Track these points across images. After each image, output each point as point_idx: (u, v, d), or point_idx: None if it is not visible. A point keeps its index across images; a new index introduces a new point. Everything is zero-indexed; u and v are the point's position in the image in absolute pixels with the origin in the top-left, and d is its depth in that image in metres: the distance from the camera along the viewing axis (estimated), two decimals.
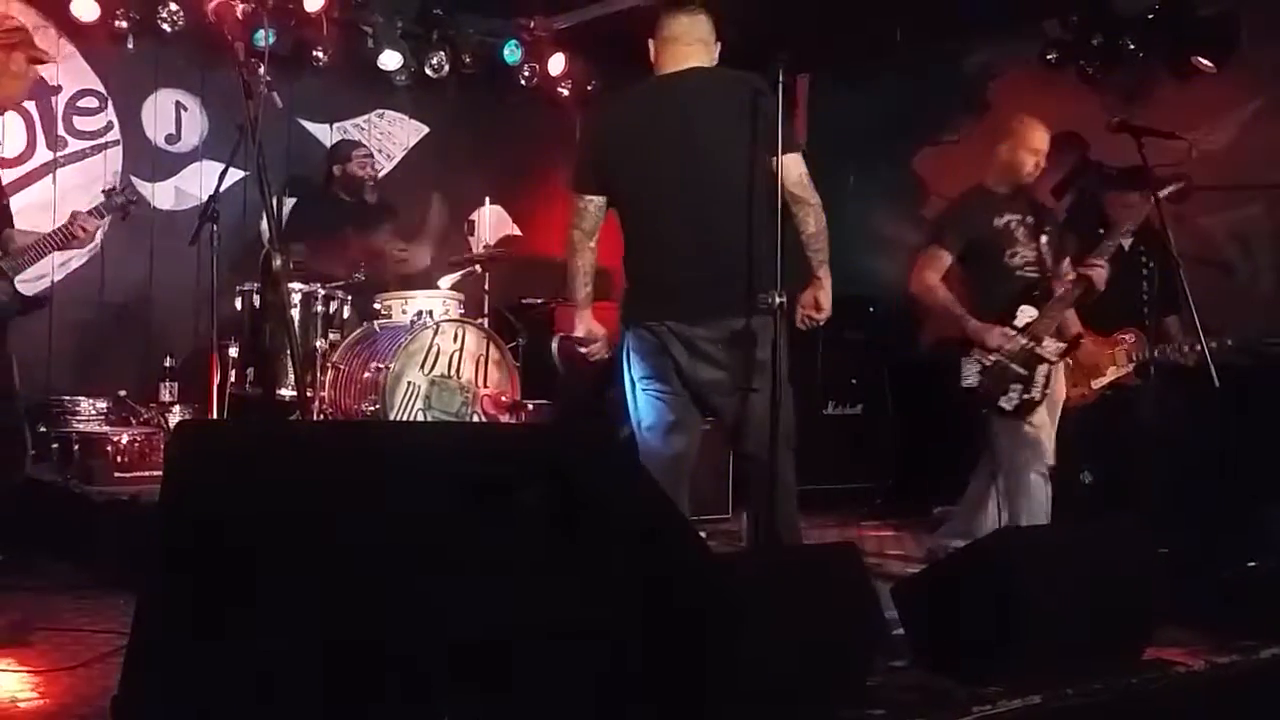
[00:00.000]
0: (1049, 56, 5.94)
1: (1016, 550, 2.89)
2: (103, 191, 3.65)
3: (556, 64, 6.62)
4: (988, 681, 2.63)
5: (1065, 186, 5.95)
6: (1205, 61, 5.41)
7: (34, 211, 5.12)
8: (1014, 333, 4.01)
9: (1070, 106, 5.86)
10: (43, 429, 4.81)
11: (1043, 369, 4.02)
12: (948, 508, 5.36)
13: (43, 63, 3.51)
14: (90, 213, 3.53)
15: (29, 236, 3.49)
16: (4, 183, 3.51)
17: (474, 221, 6.62)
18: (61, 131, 5.49)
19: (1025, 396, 3.99)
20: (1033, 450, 3.99)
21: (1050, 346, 4.04)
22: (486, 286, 5.55)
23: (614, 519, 2.14)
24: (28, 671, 2.92)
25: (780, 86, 3.32)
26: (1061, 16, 5.87)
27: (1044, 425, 4.03)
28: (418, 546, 1.88)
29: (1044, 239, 4.15)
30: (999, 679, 2.64)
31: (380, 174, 6.31)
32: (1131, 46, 5.68)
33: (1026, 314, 4.04)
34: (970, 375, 4.02)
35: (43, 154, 5.43)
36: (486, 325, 5.23)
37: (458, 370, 4.98)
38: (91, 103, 5.55)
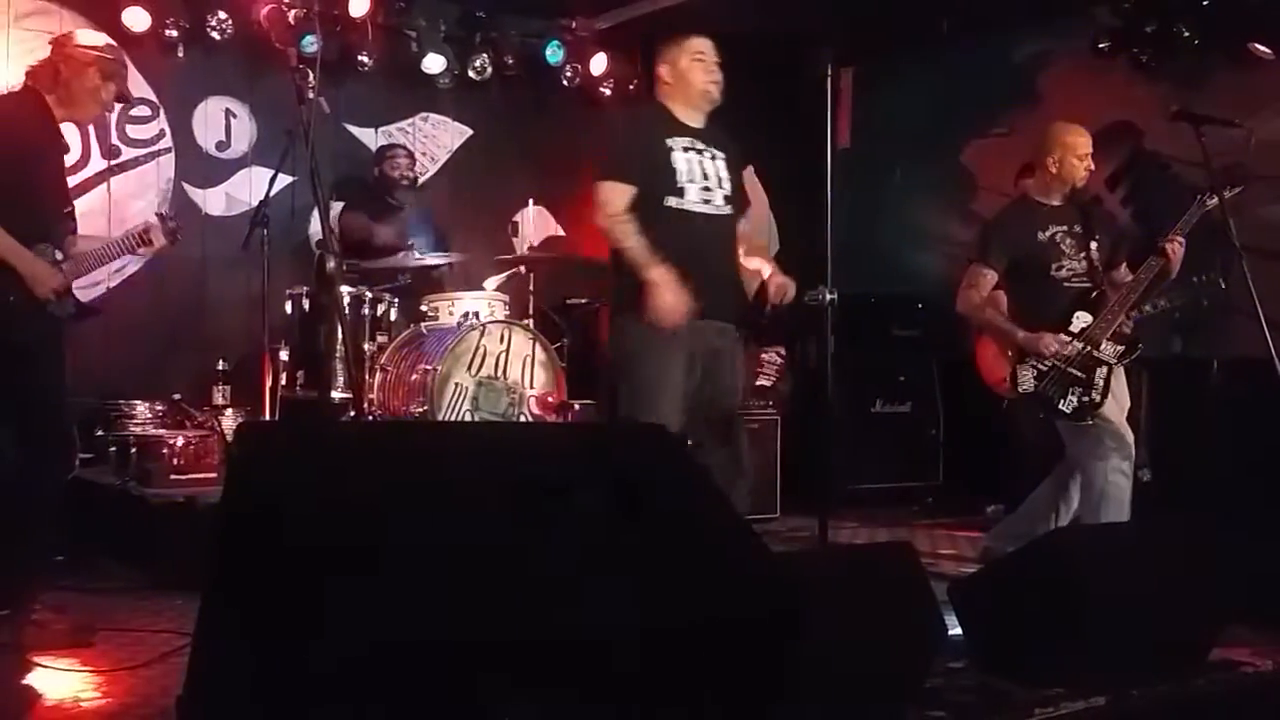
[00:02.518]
0: (1101, 45, 5.84)
1: (1079, 549, 2.84)
2: (157, 215, 3.74)
3: (599, 64, 6.62)
4: (1050, 683, 2.59)
5: (1119, 178, 5.86)
6: (1263, 48, 5.30)
7: (89, 219, 5.19)
8: (1068, 339, 3.98)
9: (1123, 95, 5.77)
10: (100, 432, 4.88)
11: (1101, 371, 3.98)
12: (1000, 506, 5.30)
13: (127, 101, 3.64)
14: (160, 224, 3.62)
15: (92, 242, 3.55)
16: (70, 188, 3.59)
17: (517, 223, 6.64)
18: (115, 140, 5.57)
19: (1085, 399, 3.95)
20: (1106, 449, 3.94)
21: (1108, 349, 3.99)
22: (531, 287, 5.56)
23: (672, 518, 2.13)
24: (90, 672, 2.96)
25: (828, 80, 3.31)
26: (1113, 3, 5.76)
27: (1113, 423, 3.97)
28: (477, 547, 1.88)
29: (1094, 246, 4.09)
30: (1061, 680, 2.59)
31: (425, 176, 6.36)
32: (1186, 33, 5.57)
33: (1081, 319, 4.01)
34: (1026, 381, 4.00)
35: (97, 162, 5.52)
36: (532, 326, 5.24)
37: (504, 371, 4.99)
38: (144, 111, 5.63)
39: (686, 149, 3.54)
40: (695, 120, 3.62)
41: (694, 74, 3.55)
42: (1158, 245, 3.99)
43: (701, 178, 3.54)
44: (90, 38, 3.50)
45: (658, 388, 3.41)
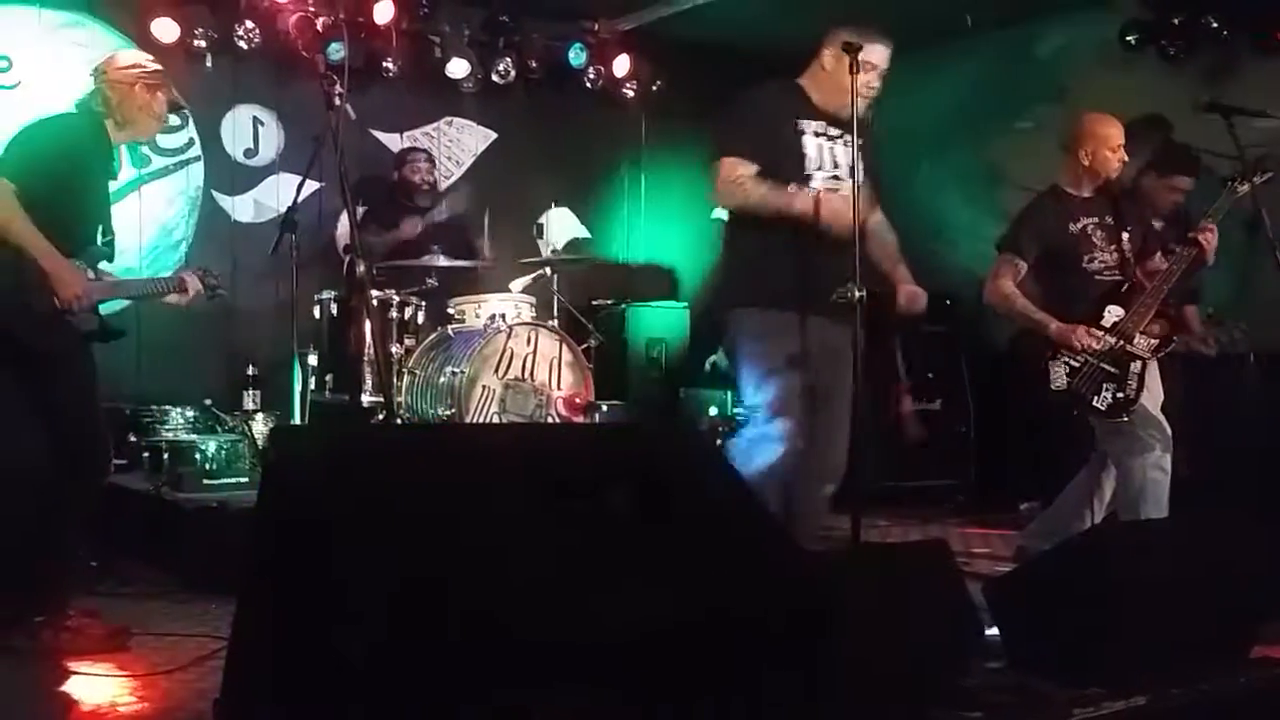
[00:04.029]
0: (1129, 37, 5.80)
1: (1118, 546, 2.80)
2: (202, 269, 3.78)
3: (621, 66, 6.62)
4: (1089, 682, 2.55)
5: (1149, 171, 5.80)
6: None
7: (120, 229, 5.23)
8: (1101, 333, 3.92)
9: (1152, 88, 5.71)
10: (133, 438, 4.92)
11: (1135, 366, 3.92)
12: (1034, 504, 5.26)
13: (180, 108, 3.68)
14: (200, 277, 3.64)
15: (114, 279, 3.59)
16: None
17: (542, 225, 6.65)
18: (145, 150, 5.62)
19: (1119, 395, 3.89)
20: (1144, 444, 3.88)
21: (1142, 343, 3.93)
22: (557, 289, 5.57)
23: (702, 518, 2.12)
24: (126, 676, 2.98)
25: (854, 76, 3.27)
26: None
27: (1149, 419, 3.91)
28: (507, 548, 1.88)
29: (1125, 238, 4.04)
30: (1101, 679, 2.56)
31: (450, 180, 6.38)
32: (1214, 25, 5.52)
33: (1113, 313, 3.96)
34: (1059, 377, 3.94)
35: (127, 171, 5.56)
36: (558, 327, 5.25)
37: (531, 373, 5.00)
38: (173, 120, 5.66)
39: (818, 134, 3.35)
40: (832, 105, 3.39)
41: (851, 79, 3.22)
42: (1189, 234, 3.95)
43: (831, 165, 3.36)
44: (128, 57, 3.56)
45: (779, 371, 3.27)
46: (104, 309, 3.44)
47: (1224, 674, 2.74)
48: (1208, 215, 3.94)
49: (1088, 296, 4.00)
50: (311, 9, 5.66)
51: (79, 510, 3.33)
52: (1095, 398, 3.91)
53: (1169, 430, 3.93)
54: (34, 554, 3.26)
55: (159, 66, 3.56)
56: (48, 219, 3.20)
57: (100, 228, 3.46)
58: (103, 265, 3.50)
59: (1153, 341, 3.96)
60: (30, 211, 3.17)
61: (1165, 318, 4.11)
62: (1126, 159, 4.10)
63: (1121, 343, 3.93)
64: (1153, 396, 3.98)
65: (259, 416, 5.07)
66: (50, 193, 3.21)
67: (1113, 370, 3.92)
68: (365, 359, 4.82)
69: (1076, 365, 3.93)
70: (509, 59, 6.35)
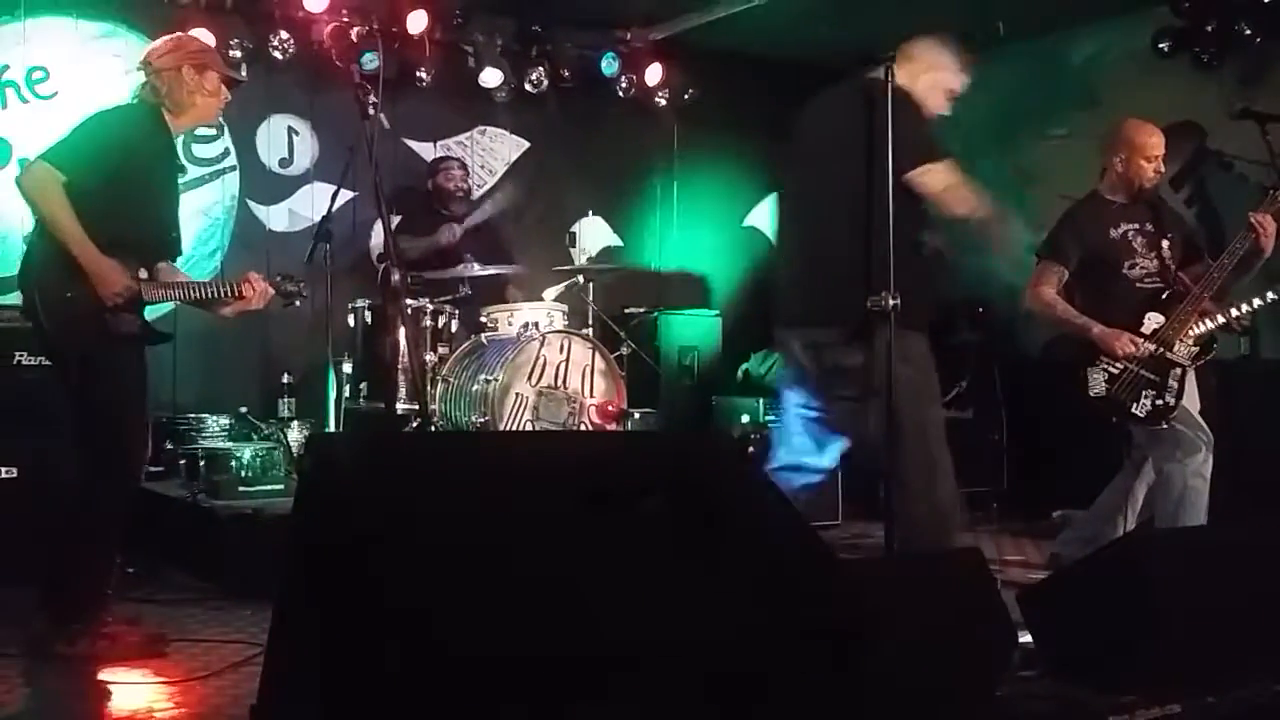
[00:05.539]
0: (1161, 44, 5.76)
1: (1154, 552, 2.78)
2: (279, 276, 3.61)
3: (654, 74, 6.64)
4: (1124, 690, 2.54)
5: (1183, 178, 5.75)
6: None
7: None
8: (1141, 340, 3.88)
9: (1185, 95, 5.67)
10: (169, 446, 4.98)
11: (1175, 373, 3.88)
12: (1067, 512, 5.21)
13: (235, 83, 3.57)
14: (268, 281, 3.50)
15: (177, 275, 3.49)
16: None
17: (575, 233, 6.68)
18: (181, 159, 5.68)
19: (1159, 402, 3.86)
20: (1185, 451, 3.85)
21: (1182, 351, 3.89)
22: (590, 297, 5.59)
23: (736, 527, 2.12)
24: (163, 682, 3.02)
25: (890, 86, 3.29)
26: (1173, 2, 5.67)
27: (1191, 424, 3.87)
28: (542, 556, 1.89)
29: (1165, 245, 4.00)
30: (1136, 687, 2.54)
31: (483, 189, 6.42)
32: (1248, 31, 5.47)
33: (1154, 320, 3.93)
34: (1098, 384, 3.91)
35: None
36: (591, 335, 5.27)
37: (564, 381, 5.02)
38: (209, 130, 5.74)
39: None
40: None
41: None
42: (1249, 219, 3.85)
43: None
44: (168, 43, 3.48)
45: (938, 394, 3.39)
46: (150, 311, 3.35)
47: (1260, 682, 2.71)
48: (1261, 208, 3.88)
49: (1128, 303, 3.96)
50: (345, 19, 5.71)
51: (105, 515, 3.25)
52: (1134, 405, 3.88)
53: (1210, 435, 3.89)
54: (68, 555, 3.23)
55: (204, 43, 3.49)
56: (102, 213, 3.14)
57: (164, 223, 3.39)
58: (165, 264, 3.41)
59: (1193, 349, 3.93)
60: (83, 205, 3.11)
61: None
62: (1163, 169, 4.07)
63: (1161, 349, 3.89)
64: (1193, 402, 3.94)
65: (294, 424, 5.12)
66: (104, 186, 3.14)
67: (1152, 377, 3.88)
68: (399, 367, 4.85)
69: (1115, 372, 3.90)
70: (542, 68, 6.38)
